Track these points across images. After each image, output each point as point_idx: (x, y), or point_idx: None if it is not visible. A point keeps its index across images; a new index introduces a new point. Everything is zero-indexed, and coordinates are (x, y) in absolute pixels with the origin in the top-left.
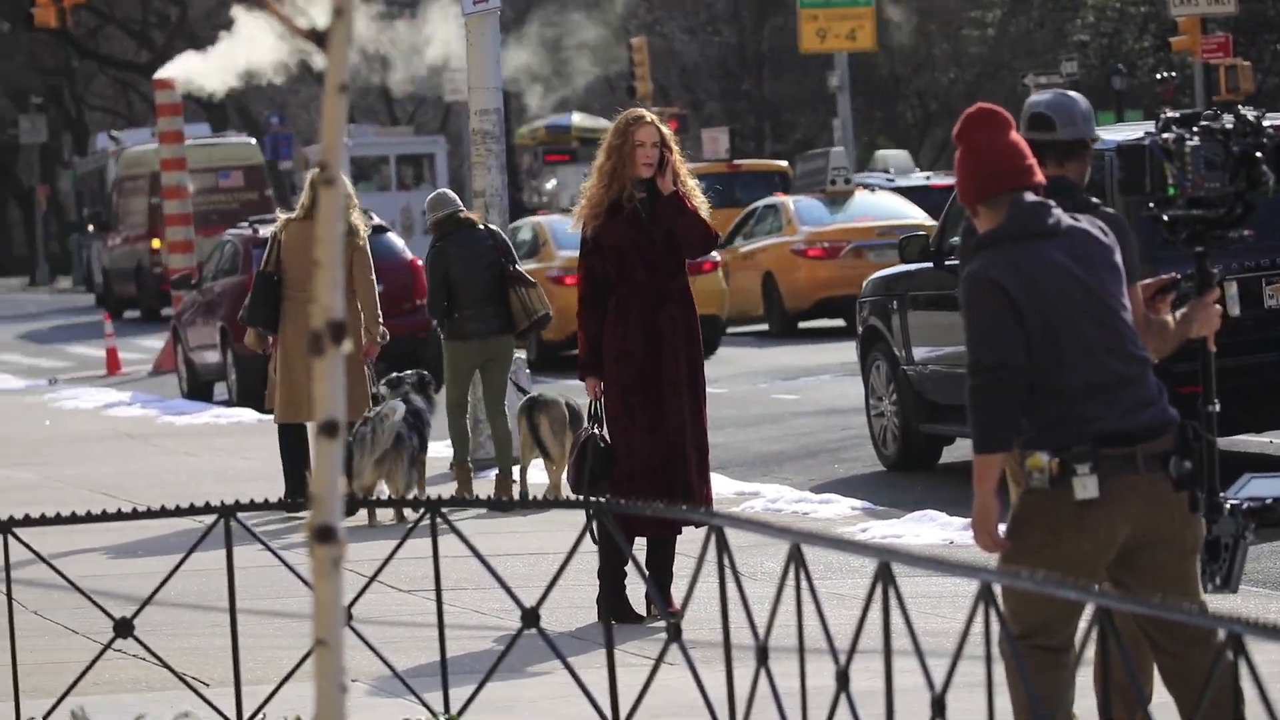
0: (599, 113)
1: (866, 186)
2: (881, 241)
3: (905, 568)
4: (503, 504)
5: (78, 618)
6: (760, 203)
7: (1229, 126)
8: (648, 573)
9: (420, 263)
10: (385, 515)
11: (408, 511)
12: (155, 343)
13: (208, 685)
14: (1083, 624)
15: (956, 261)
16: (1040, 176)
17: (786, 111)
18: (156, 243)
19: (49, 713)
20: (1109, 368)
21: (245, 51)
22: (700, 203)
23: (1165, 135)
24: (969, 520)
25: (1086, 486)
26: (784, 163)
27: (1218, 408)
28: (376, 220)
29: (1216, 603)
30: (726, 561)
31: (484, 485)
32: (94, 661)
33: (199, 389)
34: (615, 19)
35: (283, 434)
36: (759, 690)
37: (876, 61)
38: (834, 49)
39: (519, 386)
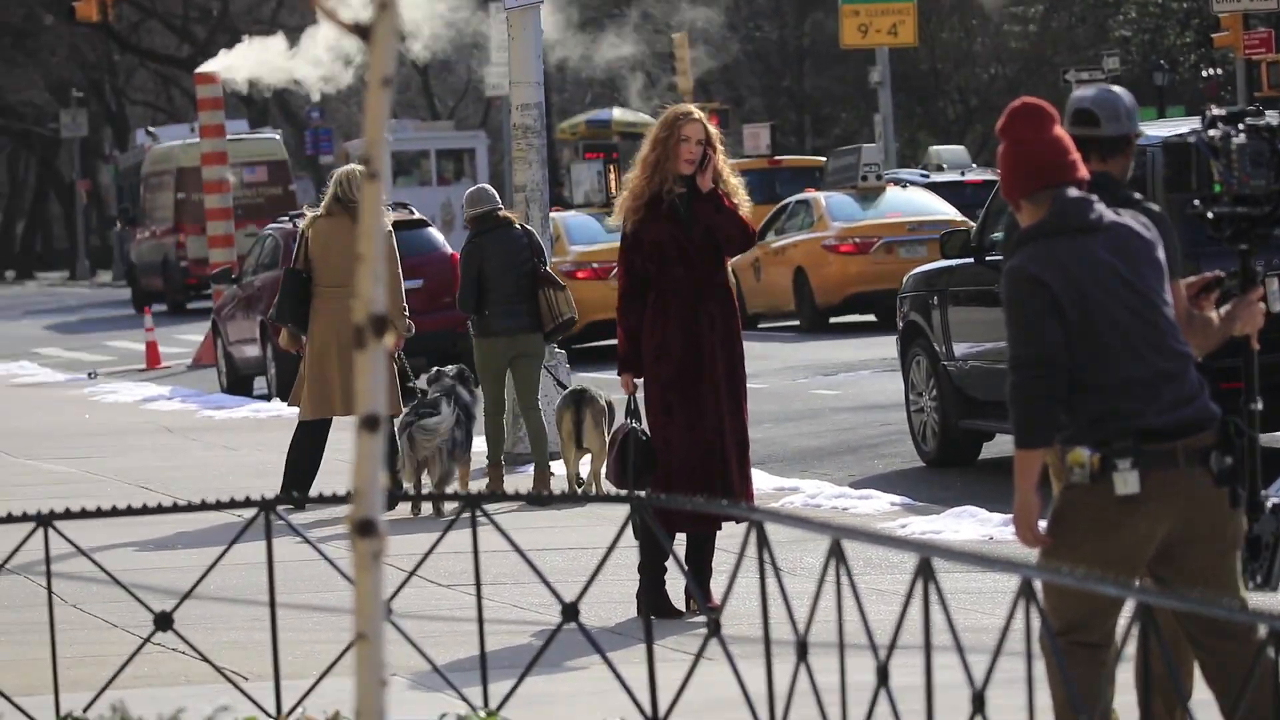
0: (640, 108)
1: (898, 182)
2: (912, 237)
3: (946, 563)
4: (542, 498)
5: (117, 611)
6: (792, 198)
7: (1275, 124)
8: (687, 568)
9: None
10: (428, 506)
11: (446, 505)
12: (188, 336)
13: (247, 679)
14: (1123, 620)
15: (999, 257)
16: (1084, 171)
17: (827, 107)
18: (183, 237)
19: (88, 706)
20: (1150, 363)
21: (291, 60)
22: (741, 200)
23: (1211, 132)
24: (1009, 516)
25: (1127, 482)
26: (824, 158)
27: (1260, 405)
28: (417, 214)
29: (1257, 599)
30: (766, 557)
31: (524, 480)
32: (133, 655)
33: (238, 383)
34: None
35: (301, 430)
36: (798, 686)
37: (918, 57)
38: (875, 44)
39: (558, 380)
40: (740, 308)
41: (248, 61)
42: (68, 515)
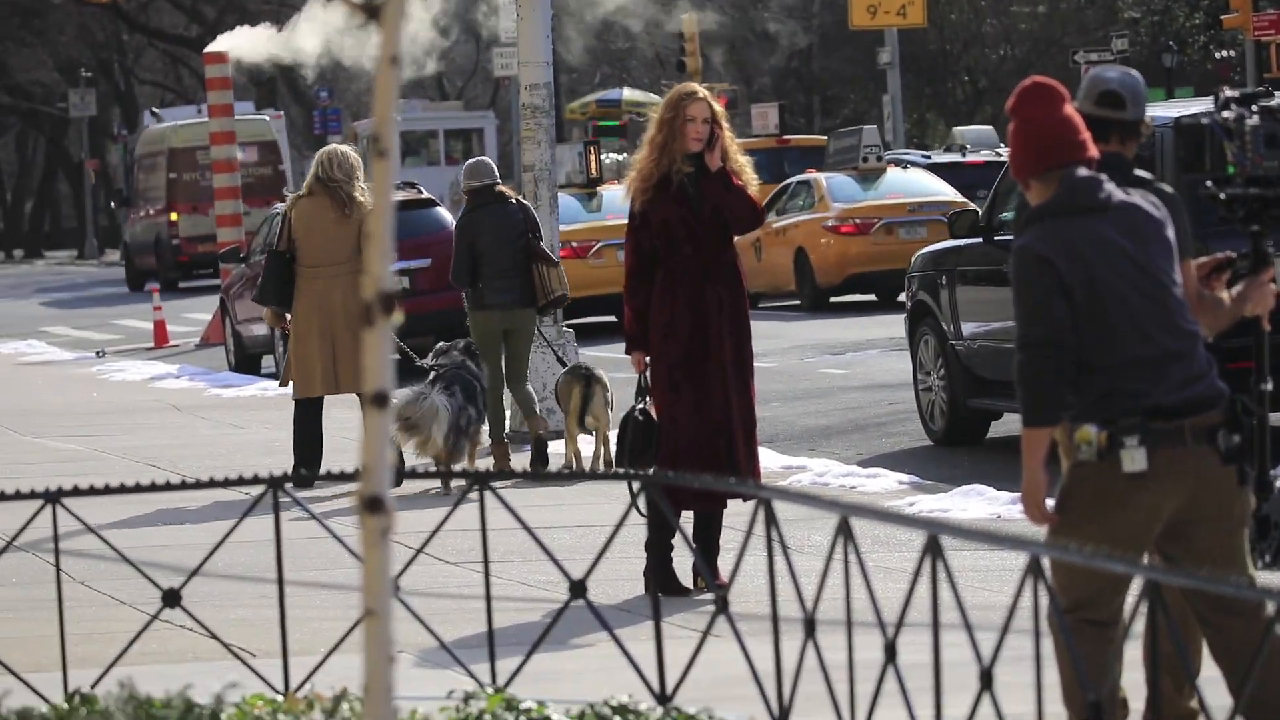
0: (649, 88)
1: (898, 163)
2: (912, 218)
3: (953, 541)
4: (551, 475)
5: (125, 588)
6: (793, 179)
7: None
8: (695, 545)
9: None
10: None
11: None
12: (195, 314)
13: (255, 656)
14: (1131, 598)
15: (1009, 237)
16: (1093, 151)
17: (836, 87)
18: (175, 216)
19: (96, 683)
20: (1158, 342)
21: (295, 35)
22: (749, 179)
23: (1225, 114)
24: (1017, 495)
25: (1135, 459)
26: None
27: (1270, 386)
28: (425, 194)
29: (1265, 577)
30: (774, 534)
31: (527, 458)
32: (141, 632)
33: (246, 361)
34: None
35: (298, 408)
36: (806, 663)
37: (927, 37)
38: (884, 25)
39: (559, 357)
40: None
41: (255, 41)
42: (76, 493)
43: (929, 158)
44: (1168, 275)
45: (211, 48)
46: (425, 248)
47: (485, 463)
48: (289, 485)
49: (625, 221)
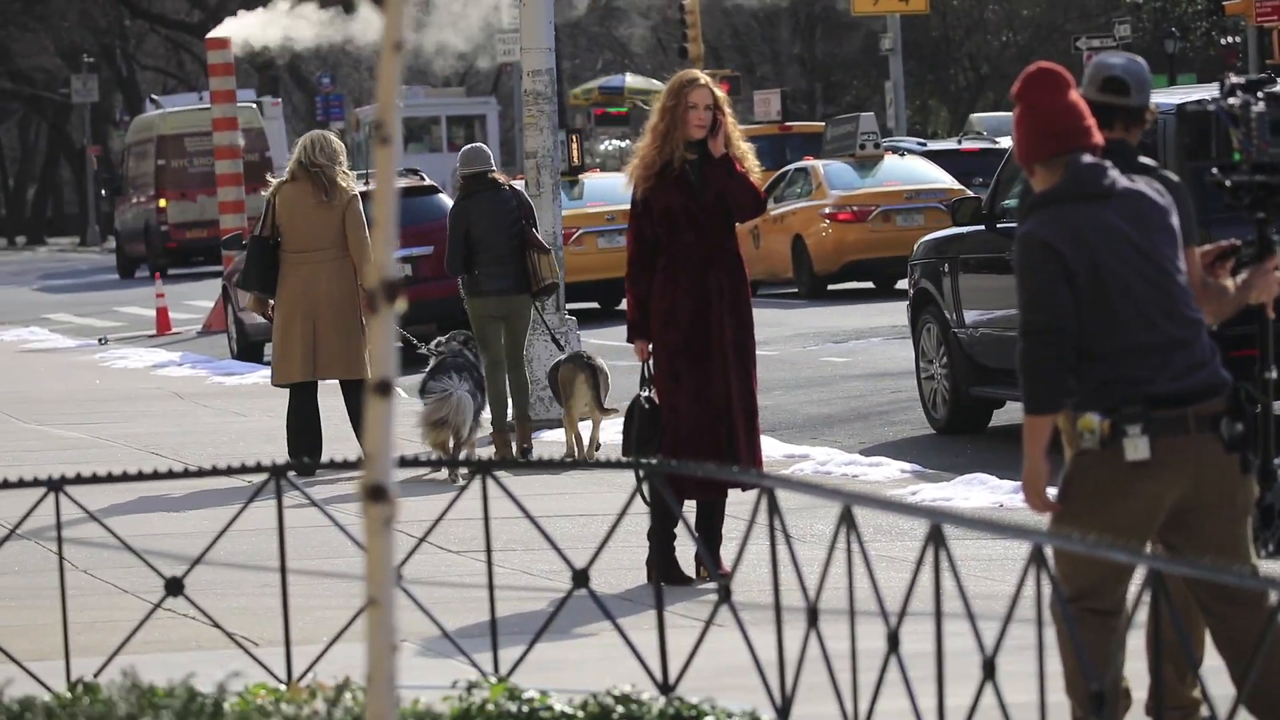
0: (652, 74)
1: (896, 151)
2: (910, 205)
3: (956, 530)
4: (554, 464)
5: (128, 577)
6: (791, 166)
7: None
8: (698, 535)
9: None
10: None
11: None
12: (198, 302)
13: (258, 645)
14: (1134, 587)
15: (1013, 224)
16: (1098, 137)
17: (838, 73)
18: (163, 202)
19: (99, 671)
20: (1161, 330)
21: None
22: (751, 166)
23: (1231, 100)
24: (1019, 483)
25: (1137, 447)
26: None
27: (1275, 374)
28: (428, 180)
29: (1268, 566)
30: (777, 523)
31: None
32: (144, 620)
33: (249, 349)
34: None
35: (292, 397)
36: (809, 652)
37: (929, 24)
38: (886, 11)
39: (559, 344)
40: None
41: (257, 25)
42: (78, 480)
43: (925, 145)
44: (1172, 262)
45: (214, 33)
46: (428, 235)
47: (485, 451)
48: (292, 474)
49: (604, 209)
